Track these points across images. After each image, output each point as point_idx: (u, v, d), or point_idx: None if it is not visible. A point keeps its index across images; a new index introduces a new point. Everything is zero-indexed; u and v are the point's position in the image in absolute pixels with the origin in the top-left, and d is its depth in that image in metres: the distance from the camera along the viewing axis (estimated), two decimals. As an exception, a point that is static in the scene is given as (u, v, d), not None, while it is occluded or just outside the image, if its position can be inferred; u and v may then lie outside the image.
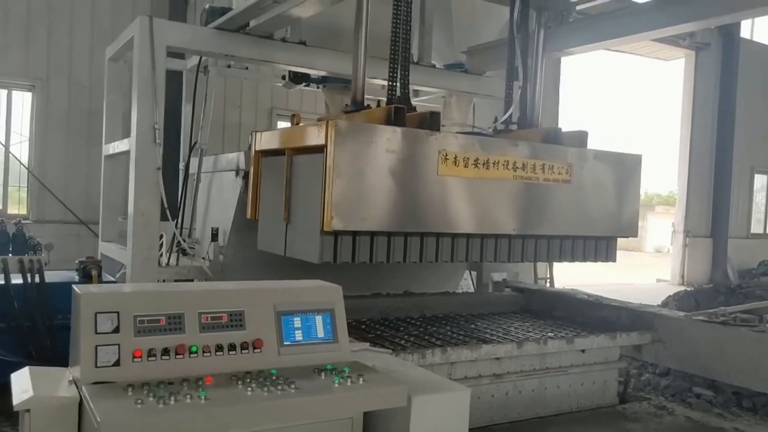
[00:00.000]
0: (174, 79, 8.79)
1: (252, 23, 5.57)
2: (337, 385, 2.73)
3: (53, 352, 4.75)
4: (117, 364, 2.63)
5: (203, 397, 2.46)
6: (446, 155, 4.15)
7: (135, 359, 2.65)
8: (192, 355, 2.74)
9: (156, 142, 5.25)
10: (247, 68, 7.75)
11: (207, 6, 5.96)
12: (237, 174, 5.49)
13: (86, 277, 5.25)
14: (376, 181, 3.89)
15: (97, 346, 2.62)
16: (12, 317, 4.90)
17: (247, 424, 2.50)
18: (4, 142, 10.01)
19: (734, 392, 5.43)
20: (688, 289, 13.46)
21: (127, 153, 5.65)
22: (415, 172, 4.03)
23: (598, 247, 5.05)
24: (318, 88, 7.21)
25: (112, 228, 6.67)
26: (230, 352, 2.82)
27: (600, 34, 5.80)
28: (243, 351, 2.85)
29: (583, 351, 4.95)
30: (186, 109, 7.75)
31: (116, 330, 2.67)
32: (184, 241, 5.97)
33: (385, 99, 4.47)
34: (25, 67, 9.86)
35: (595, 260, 5.08)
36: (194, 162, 6.49)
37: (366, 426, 2.93)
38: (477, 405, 4.51)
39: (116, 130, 6.61)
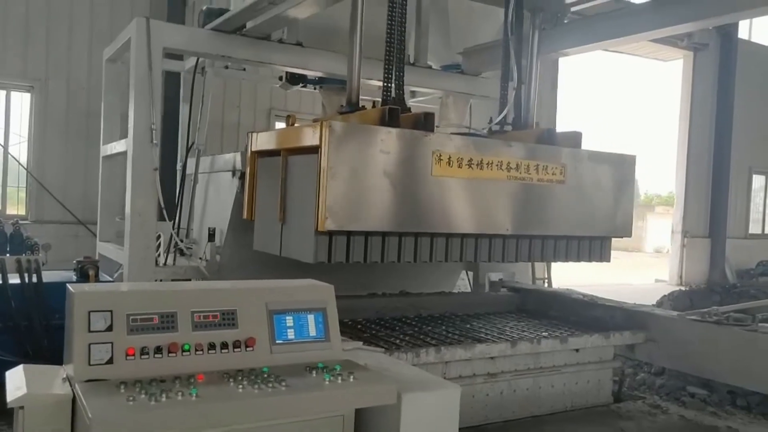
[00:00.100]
0: (172, 80, 8.85)
1: (249, 24, 5.59)
2: (327, 382, 2.77)
3: (50, 351, 4.79)
4: (110, 362, 2.67)
5: (194, 395, 2.49)
6: (440, 156, 4.17)
7: (128, 357, 2.69)
8: (184, 353, 2.77)
9: (153, 143, 5.28)
10: (244, 69, 7.78)
11: (204, 7, 6.00)
12: (234, 174, 5.52)
13: (83, 277, 5.28)
14: (370, 181, 3.91)
15: (90, 344, 2.66)
16: (9, 317, 4.93)
17: (238, 420, 2.54)
18: (3, 143, 10.05)
19: (729, 391, 5.46)
20: (683, 288, 13.49)
21: (124, 153, 5.69)
22: (409, 173, 4.04)
23: (593, 247, 5.07)
24: (315, 89, 7.25)
25: (110, 228, 6.71)
26: (222, 351, 2.86)
27: (596, 35, 5.82)
28: (235, 349, 2.88)
29: (577, 350, 4.97)
30: (183, 110, 7.78)
31: (109, 328, 2.71)
32: (182, 241, 6.00)
33: (380, 100, 4.49)
34: (24, 68, 9.92)
35: (590, 260, 5.09)
36: (191, 162, 6.52)
37: (357, 423, 2.96)
38: (471, 404, 4.55)
39: (114, 131, 6.64)
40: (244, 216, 4.89)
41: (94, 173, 7.30)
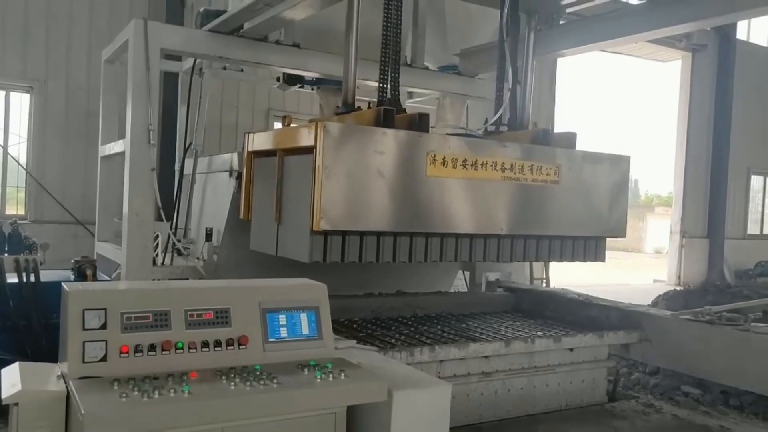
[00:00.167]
0: (171, 80, 8.89)
1: (246, 26, 5.62)
2: (319, 380, 2.80)
3: (49, 350, 4.81)
4: (104, 359, 2.70)
5: (186, 392, 2.52)
6: (434, 156, 4.21)
7: (122, 355, 2.72)
8: (178, 351, 2.81)
9: (150, 143, 5.31)
10: (242, 70, 7.81)
11: (202, 9, 6.03)
12: (230, 175, 5.55)
13: (81, 277, 5.31)
14: (365, 182, 3.94)
15: (84, 342, 2.69)
16: (8, 316, 4.96)
17: (229, 417, 2.57)
18: (2, 143, 10.09)
19: (722, 391, 5.48)
20: (678, 288, 13.51)
21: (122, 154, 5.71)
22: (404, 173, 4.08)
23: (587, 247, 5.11)
24: (312, 89, 7.28)
25: (108, 228, 6.74)
26: (216, 349, 2.89)
27: (592, 35, 5.84)
28: (228, 347, 2.92)
29: (571, 350, 5.01)
30: (181, 111, 7.81)
31: (103, 326, 2.74)
32: (179, 241, 6.03)
33: (376, 100, 4.52)
34: (24, 68, 9.95)
35: (584, 260, 5.13)
36: (189, 163, 6.55)
37: (349, 421, 2.99)
38: (466, 403, 4.58)
39: (112, 132, 6.68)
40: (241, 216, 4.93)
41: (93, 173, 7.34)
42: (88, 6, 10.28)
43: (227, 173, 5.64)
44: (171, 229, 6.01)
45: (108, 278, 5.97)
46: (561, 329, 5.12)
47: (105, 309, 2.76)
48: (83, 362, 2.67)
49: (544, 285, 9.25)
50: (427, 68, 6.93)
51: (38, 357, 4.78)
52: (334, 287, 4.25)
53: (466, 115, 7.42)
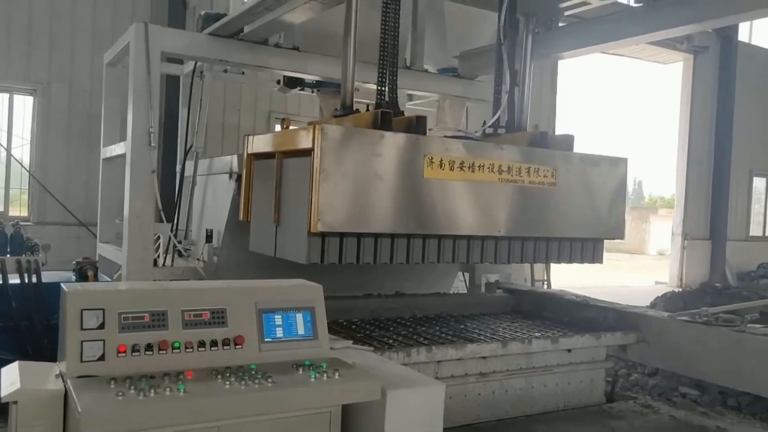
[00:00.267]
0: (172, 83, 8.94)
1: (246, 29, 5.67)
2: (313, 379, 2.84)
3: (50, 350, 4.85)
4: (102, 358, 2.74)
5: (182, 390, 2.56)
6: (432, 158, 4.24)
7: (119, 354, 2.76)
8: (174, 351, 2.85)
9: (151, 146, 5.35)
10: (243, 73, 7.86)
11: (203, 12, 6.08)
12: (230, 177, 5.59)
13: (82, 278, 5.35)
14: (362, 184, 3.97)
15: (82, 342, 2.74)
16: (9, 317, 5.01)
17: (224, 415, 2.61)
18: (5, 145, 10.15)
19: (720, 391, 5.51)
20: (676, 290, 13.51)
21: (123, 156, 5.76)
22: (401, 175, 4.10)
23: (585, 249, 5.12)
24: (312, 92, 7.32)
25: (110, 230, 6.78)
26: (212, 348, 2.93)
27: (591, 37, 5.85)
28: (224, 347, 2.96)
29: (569, 351, 5.03)
30: (182, 114, 7.86)
31: (101, 326, 2.79)
32: (180, 242, 6.08)
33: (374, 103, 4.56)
34: (27, 71, 10.02)
35: (582, 262, 5.15)
36: (190, 165, 6.60)
37: (345, 420, 3.03)
38: (464, 403, 4.61)
39: (114, 134, 6.72)
40: (241, 217, 4.97)
41: (95, 175, 7.39)
42: (91, 9, 10.35)
43: (227, 175, 5.68)
44: (172, 230, 6.05)
45: (109, 279, 6.02)
46: (559, 330, 5.14)
47: (103, 309, 2.81)
48: (81, 361, 2.71)
49: (545, 287, 9.27)
50: (426, 71, 6.97)
51: (39, 357, 4.81)
52: (334, 288, 4.29)
53: (465, 118, 7.46)
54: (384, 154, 4.05)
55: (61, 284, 2.94)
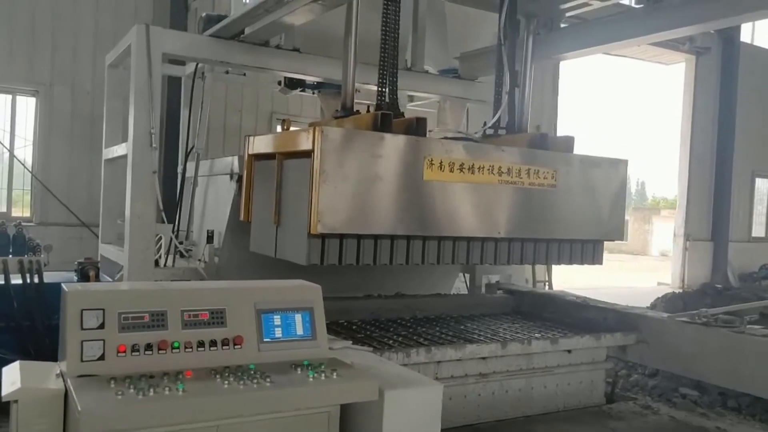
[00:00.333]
0: (174, 84, 8.97)
1: (247, 30, 5.68)
2: (311, 379, 2.86)
3: (51, 350, 4.88)
4: (102, 358, 2.76)
5: (181, 390, 2.59)
6: (431, 160, 4.25)
7: (119, 354, 2.78)
8: (174, 351, 2.87)
9: (152, 147, 5.37)
10: (244, 74, 7.89)
11: (204, 14, 6.10)
12: (231, 177, 5.61)
13: (84, 278, 5.39)
14: (362, 185, 3.99)
15: (82, 341, 2.76)
16: (11, 317, 5.05)
17: (222, 414, 2.63)
18: (8, 146, 10.19)
19: (720, 392, 5.51)
20: (676, 291, 13.52)
21: (125, 157, 5.77)
22: (401, 177, 4.12)
23: (585, 250, 5.14)
24: (313, 93, 7.35)
25: (112, 230, 6.79)
26: (211, 348, 2.95)
27: (592, 38, 5.85)
28: (224, 347, 2.98)
29: (569, 351, 5.03)
30: (184, 115, 7.88)
31: (101, 326, 2.81)
32: (181, 243, 6.10)
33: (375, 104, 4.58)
34: (29, 72, 10.06)
35: (582, 263, 5.16)
36: (191, 166, 6.62)
37: (343, 420, 3.04)
38: (463, 404, 4.62)
39: (116, 135, 6.74)
40: (241, 218, 4.99)
41: (97, 176, 7.42)
42: (93, 11, 10.39)
43: (228, 176, 5.70)
44: (173, 231, 6.07)
45: (111, 280, 6.05)
46: (559, 331, 5.15)
47: (103, 309, 2.83)
48: (81, 361, 2.74)
49: (546, 288, 9.27)
50: (427, 72, 6.98)
51: (41, 357, 4.85)
52: (335, 289, 4.30)
53: (466, 119, 7.47)
54: (384, 156, 4.07)
55: (62, 284, 2.97)
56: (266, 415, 2.80)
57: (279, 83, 7.21)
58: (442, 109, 7.46)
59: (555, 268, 9.29)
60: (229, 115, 11.12)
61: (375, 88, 4.58)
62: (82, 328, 2.79)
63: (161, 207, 5.51)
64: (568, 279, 13.32)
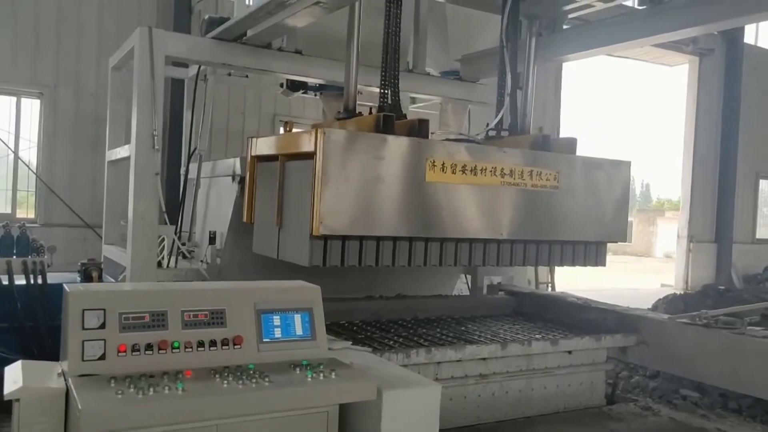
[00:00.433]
0: (177, 87, 9.00)
1: (249, 33, 5.71)
2: (310, 379, 2.88)
3: (54, 350, 4.91)
4: (102, 358, 2.79)
5: (180, 389, 2.61)
6: (434, 162, 4.27)
7: (120, 353, 2.81)
8: (174, 351, 2.89)
9: (154, 148, 5.40)
10: (247, 76, 7.92)
11: (207, 16, 6.13)
12: (233, 179, 5.64)
13: (87, 279, 5.41)
14: (364, 187, 4.01)
15: (84, 341, 2.79)
16: (15, 317, 5.07)
17: (221, 414, 2.66)
18: (13, 148, 10.24)
19: (720, 394, 5.51)
20: (678, 292, 13.51)
21: (128, 159, 5.80)
22: (403, 179, 4.14)
23: (588, 252, 5.15)
24: (315, 95, 7.37)
25: (115, 231, 6.82)
26: (211, 348, 2.98)
27: (595, 40, 5.85)
28: (223, 347, 3.00)
29: (569, 352, 5.04)
30: (186, 117, 7.91)
31: (102, 326, 2.84)
32: (184, 244, 6.12)
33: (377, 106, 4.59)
34: (34, 75, 10.10)
35: (584, 265, 5.16)
36: (194, 167, 6.65)
37: (342, 420, 3.06)
38: (463, 404, 4.62)
39: (119, 137, 6.78)
40: (244, 219, 5.01)
41: (101, 178, 7.46)
42: (97, 14, 10.43)
43: (230, 177, 5.73)
44: (176, 232, 6.09)
45: (114, 281, 6.07)
46: (559, 332, 5.15)
47: (104, 309, 2.86)
48: (82, 360, 2.76)
49: (549, 289, 9.28)
50: (428, 74, 7.00)
51: (44, 357, 4.85)
52: (337, 290, 4.31)
53: (468, 121, 7.48)
54: (386, 158, 4.09)
55: (64, 285, 3.00)
56: (265, 414, 2.82)
57: (281, 85, 7.23)
58: (443, 111, 7.48)
59: (558, 269, 9.30)
60: (232, 117, 11.15)
61: (377, 89, 4.60)
62: (84, 328, 2.81)
63: (164, 208, 5.53)
64: (572, 280, 13.34)
